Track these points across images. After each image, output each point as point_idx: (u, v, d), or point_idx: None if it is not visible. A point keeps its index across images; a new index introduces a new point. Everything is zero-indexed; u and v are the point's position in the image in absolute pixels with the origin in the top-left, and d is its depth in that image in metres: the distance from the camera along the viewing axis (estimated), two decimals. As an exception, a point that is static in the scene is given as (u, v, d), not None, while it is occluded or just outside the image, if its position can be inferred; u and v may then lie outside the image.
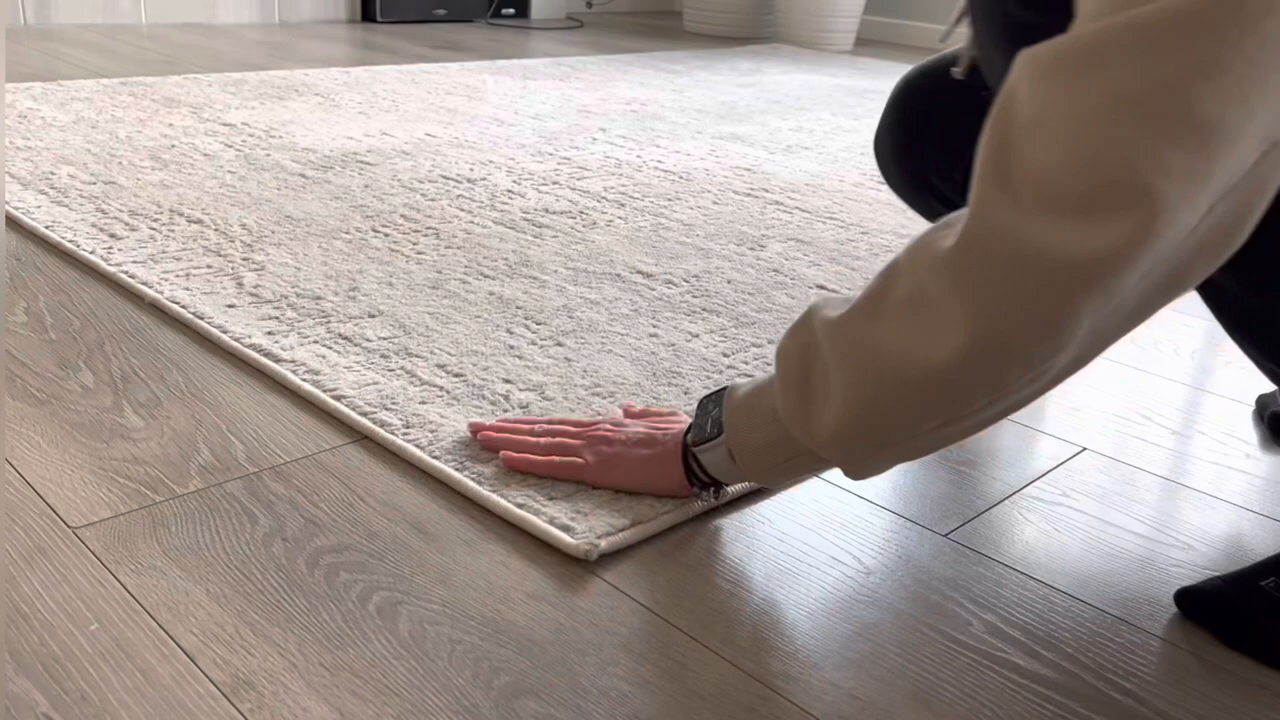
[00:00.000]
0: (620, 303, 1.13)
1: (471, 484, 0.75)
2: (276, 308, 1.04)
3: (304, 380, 0.89)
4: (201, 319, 0.99)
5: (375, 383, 0.89)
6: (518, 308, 1.09)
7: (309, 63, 2.48)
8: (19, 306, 1.00)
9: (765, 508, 0.77)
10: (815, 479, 0.81)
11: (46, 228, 1.20)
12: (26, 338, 0.93)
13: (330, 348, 0.95)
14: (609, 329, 1.06)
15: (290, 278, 1.12)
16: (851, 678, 0.60)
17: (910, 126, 0.96)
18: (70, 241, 1.17)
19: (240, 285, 1.09)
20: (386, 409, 0.85)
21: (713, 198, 1.59)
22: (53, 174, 1.42)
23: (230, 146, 1.65)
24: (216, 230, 1.25)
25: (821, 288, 1.23)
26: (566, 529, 0.70)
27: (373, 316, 1.03)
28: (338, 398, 0.86)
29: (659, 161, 1.79)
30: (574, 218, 1.43)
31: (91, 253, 1.14)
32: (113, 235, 1.20)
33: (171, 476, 0.74)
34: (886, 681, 0.60)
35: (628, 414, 0.85)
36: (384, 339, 0.98)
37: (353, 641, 0.59)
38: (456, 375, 0.92)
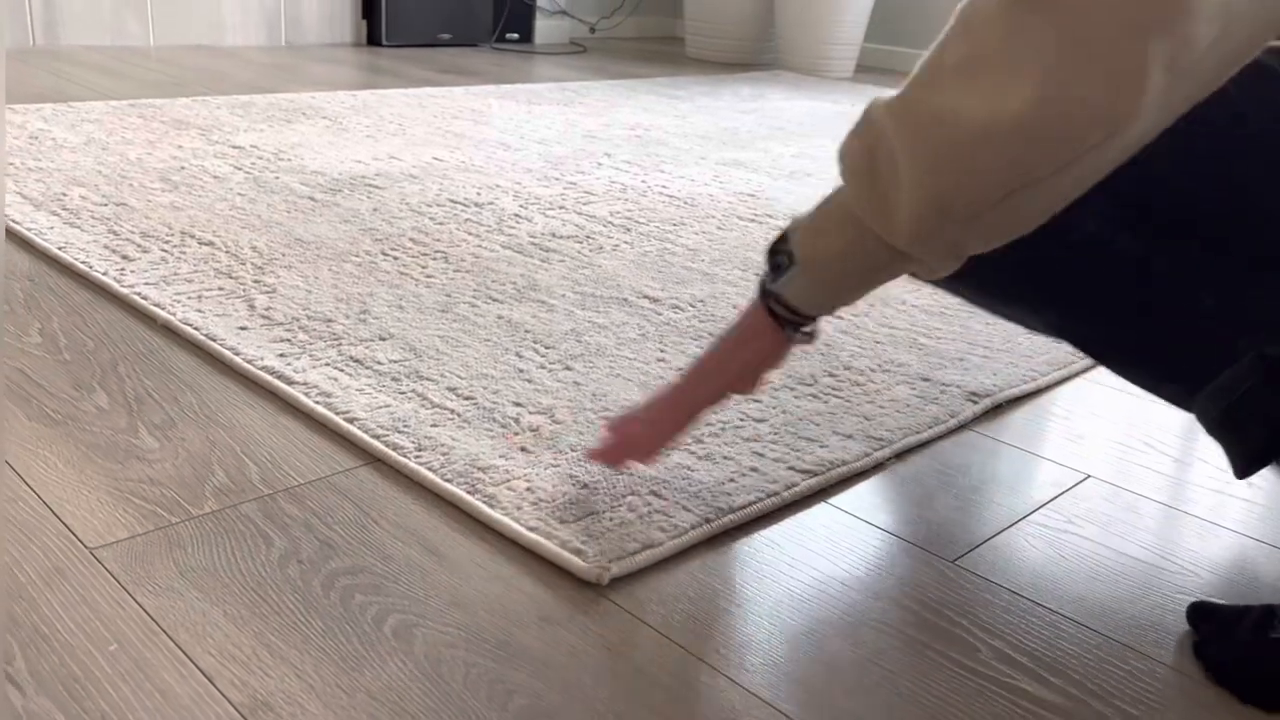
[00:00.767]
0: (628, 327, 1.14)
1: (483, 507, 0.76)
2: (288, 330, 1.05)
3: (316, 403, 0.89)
4: (214, 341, 1.00)
5: (387, 405, 0.90)
6: (526, 331, 1.10)
7: (316, 85, 2.51)
8: (33, 327, 1.01)
9: (775, 533, 0.78)
10: (823, 504, 0.82)
11: (59, 249, 1.22)
12: (41, 359, 0.94)
13: (342, 370, 0.96)
14: (617, 353, 1.07)
15: (301, 300, 1.13)
16: (861, 703, 0.61)
17: None
18: (83, 263, 1.18)
19: (252, 307, 1.10)
20: (399, 431, 0.86)
21: (717, 223, 1.61)
22: (64, 195, 1.44)
23: (239, 169, 1.67)
24: (227, 252, 1.26)
25: (826, 314, 1.24)
26: (578, 552, 0.71)
27: (383, 339, 1.04)
28: (350, 420, 0.87)
29: (663, 187, 1.81)
30: (580, 242, 1.44)
31: (104, 274, 1.15)
32: (125, 257, 1.21)
33: (187, 498, 0.74)
34: (896, 707, 0.61)
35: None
36: (395, 362, 0.99)
37: (369, 664, 0.60)
38: (467, 398, 0.93)
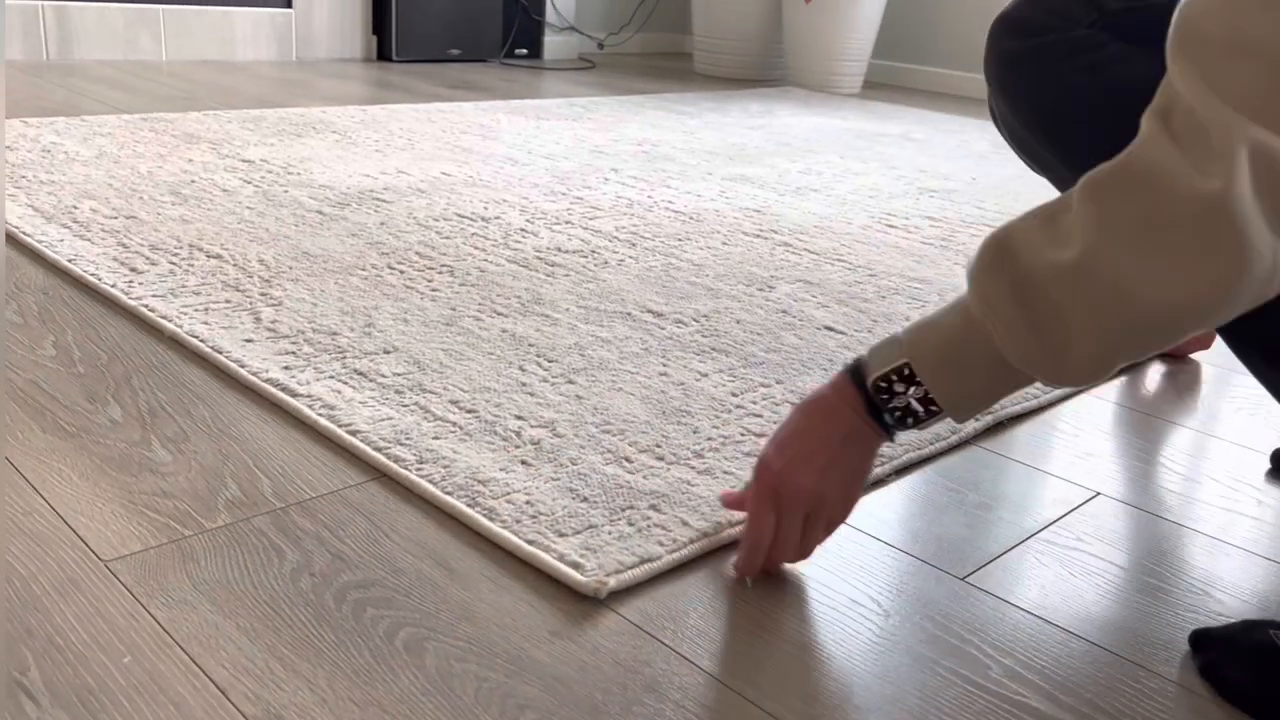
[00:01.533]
0: (631, 341, 1.15)
1: (483, 520, 0.76)
2: (293, 343, 1.05)
3: (320, 415, 0.90)
4: (220, 353, 1.01)
5: (390, 418, 0.91)
6: (530, 345, 1.11)
7: (326, 100, 2.52)
8: (47, 340, 1.01)
9: (783, 549, 0.78)
10: (832, 520, 0.82)
11: (69, 261, 1.23)
12: (55, 371, 0.95)
13: (346, 383, 0.97)
14: (619, 367, 1.07)
15: (307, 313, 1.14)
16: None
17: None
18: (92, 275, 1.19)
19: (258, 320, 1.10)
20: (400, 444, 0.86)
21: (722, 238, 1.61)
22: (75, 208, 1.45)
23: (249, 183, 1.68)
24: (235, 265, 1.27)
25: (830, 329, 1.25)
26: (576, 566, 0.71)
27: (388, 352, 1.05)
28: (353, 433, 0.87)
29: (670, 202, 1.82)
30: (586, 257, 1.45)
31: (113, 286, 1.16)
32: (133, 269, 1.22)
33: (200, 511, 0.75)
34: (907, 724, 0.61)
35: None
36: (398, 375, 1.00)
37: (381, 677, 0.60)
38: (469, 411, 0.93)
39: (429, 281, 1.28)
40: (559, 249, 1.47)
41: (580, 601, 0.69)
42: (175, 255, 1.29)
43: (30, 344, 1.00)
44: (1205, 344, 1.26)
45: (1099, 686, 0.65)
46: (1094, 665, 0.67)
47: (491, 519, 0.76)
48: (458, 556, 0.73)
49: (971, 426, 1.00)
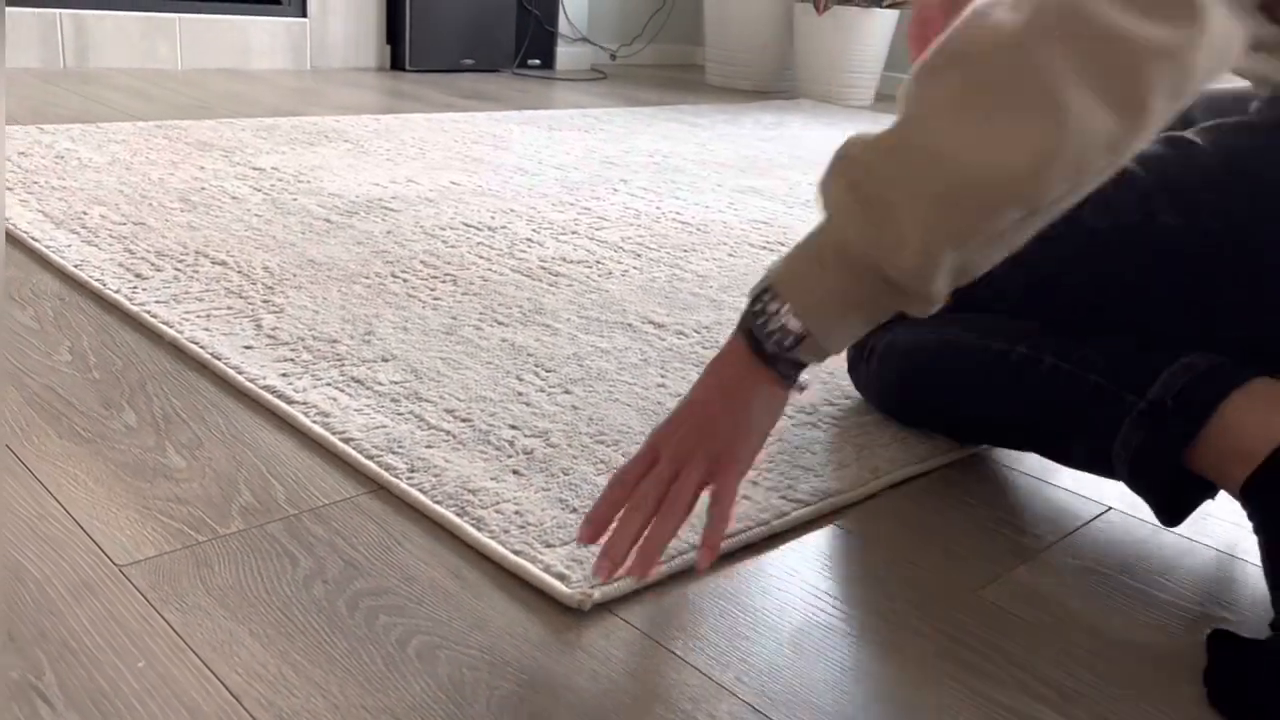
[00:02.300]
0: (630, 352, 1.15)
1: (471, 529, 0.76)
2: (293, 350, 1.06)
3: (314, 423, 0.90)
4: (219, 359, 1.01)
5: (383, 426, 0.91)
6: (529, 355, 1.11)
7: (339, 109, 2.54)
8: (63, 346, 1.02)
9: (793, 559, 0.78)
10: (840, 532, 0.82)
11: (76, 266, 1.23)
12: (71, 376, 0.95)
13: (342, 390, 0.97)
14: (617, 378, 1.07)
15: (308, 320, 1.14)
16: (882, 732, 0.61)
17: None
18: (97, 280, 1.19)
19: (259, 327, 1.11)
20: (393, 452, 0.86)
21: (728, 250, 1.61)
22: (85, 214, 1.46)
23: (259, 190, 1.69)
24: (239, 272, 1.28)
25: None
26: (561, 577, 0.71)
27: (386, 360, 1.05)
28: (346, 440, 0.88)
29: (678, 213, 1.82)
30: (590, 267, 1.45)
31: (117, 291, 1.16)
32: (138, 275, 1.23)
33: (214, 517, 0.75)
34: (917, 737, 0.61)
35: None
36: (395, 383, 1.00)
37: (393, 685, 0.60)
38: (464, 420, 0.94)
39: (431, 290, 1.28)
40: (564, 259, 1.48)
41: (591, 612, 0.69)
42: (181, 261, 1.30)
43: (46, 349, 1.01)
44: None
45: (1113, 701, 0.65)
46: (1108, 680, 0.67)
47: (480, 528, 0.76)
48: (469, 566, 0.73)
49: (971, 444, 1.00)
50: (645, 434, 0.94)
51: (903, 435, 0.99)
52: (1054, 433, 0.85)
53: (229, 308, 1.16)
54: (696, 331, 1.24)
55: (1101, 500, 0.92)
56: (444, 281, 1.32)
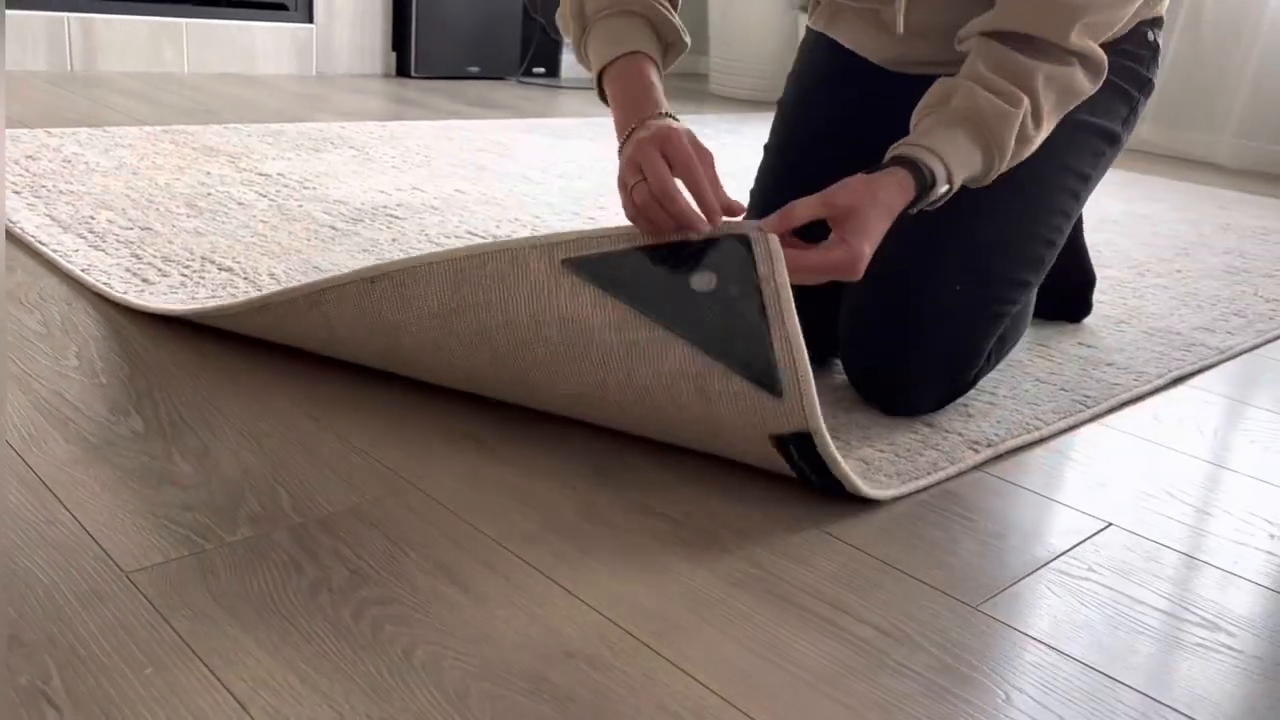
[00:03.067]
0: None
1: None
2: (306, 357, 1.06)
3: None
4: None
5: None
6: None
7: (345, 116, 2.55)
8: (71, 351, 1.02)
9: (799, 573, 0.78)
10: (840, 544, 0.83)
11: (83, 270, 1.24)
12: (79, 381, 0.96)
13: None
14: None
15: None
16: (884, 747, 0.61)
17: None
18: (104, 284, 1.20)
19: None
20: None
21: (738, 261, 1.62)
22: (92, 218, 1.46)
23: (264, 196, 1.70)
24: (245, 279, 1.28)
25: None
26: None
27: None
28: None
29: (686, 223, 1.83)
30: (600, 276, 1.46)
31: (124, 294, 1.17)
32: (145, 280, 1.24)
33: (221, 524, 0.76)
34: (919, 752, 0.61)
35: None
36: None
37: (398, 694, 0.61)
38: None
39: (441, 298, 1.29)
40: (571, 268, 1.48)
41: (594, 624, 0.69)
42: (187, 267, 1.30)
43: (54, 354, 1.01)
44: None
45: (1112, 717, 0.66)
46: (1105, 697, 0.68)
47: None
48: (473, 576, 0.73)
49: (971, 459, 1.01)
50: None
51: (899, 449, 0.99)
52: None
53: (234, 314, 1.16)
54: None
55: (1102, 516, 0.93)
56: (448, 289, 1.33)
